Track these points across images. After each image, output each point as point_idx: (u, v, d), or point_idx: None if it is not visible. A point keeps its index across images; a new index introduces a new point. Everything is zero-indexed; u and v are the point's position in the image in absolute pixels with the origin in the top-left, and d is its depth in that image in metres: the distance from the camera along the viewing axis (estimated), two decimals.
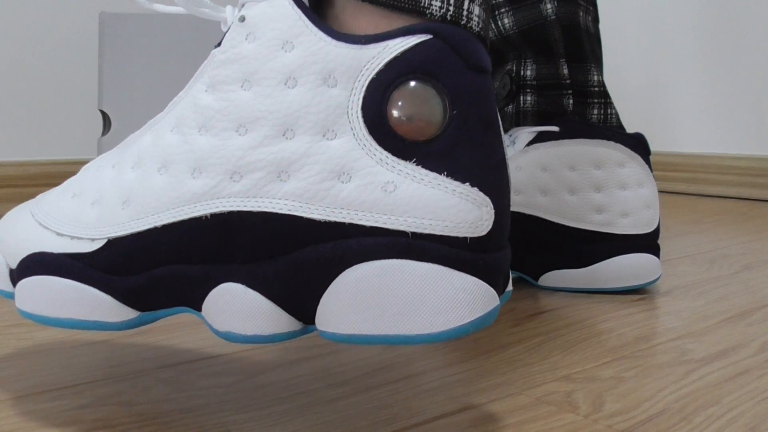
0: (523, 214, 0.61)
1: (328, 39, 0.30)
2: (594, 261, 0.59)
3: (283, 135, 0.30)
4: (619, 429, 0.34)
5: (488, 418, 0.35)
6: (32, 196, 1.06)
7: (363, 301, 0.29)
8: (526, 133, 0.62)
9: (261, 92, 0.30)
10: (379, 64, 0.30)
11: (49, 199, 0.34)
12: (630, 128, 1.57)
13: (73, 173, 1.09)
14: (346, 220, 0.29)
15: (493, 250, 0.30)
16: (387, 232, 0.29)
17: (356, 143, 0.30)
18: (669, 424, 0.35)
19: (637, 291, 0.61)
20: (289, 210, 0.30)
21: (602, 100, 0.63)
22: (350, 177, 0.30)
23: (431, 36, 0.30)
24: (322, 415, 0.35)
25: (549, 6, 0.62)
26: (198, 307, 0.32)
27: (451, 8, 0.30)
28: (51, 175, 1.08)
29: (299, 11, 0.30)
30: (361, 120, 0.30)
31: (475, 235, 0.30)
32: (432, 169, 0.29)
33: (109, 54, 0.81)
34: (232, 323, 0.31)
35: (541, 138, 0.61)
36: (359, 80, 0.30)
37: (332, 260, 0.30)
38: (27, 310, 0.32)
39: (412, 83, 0.29)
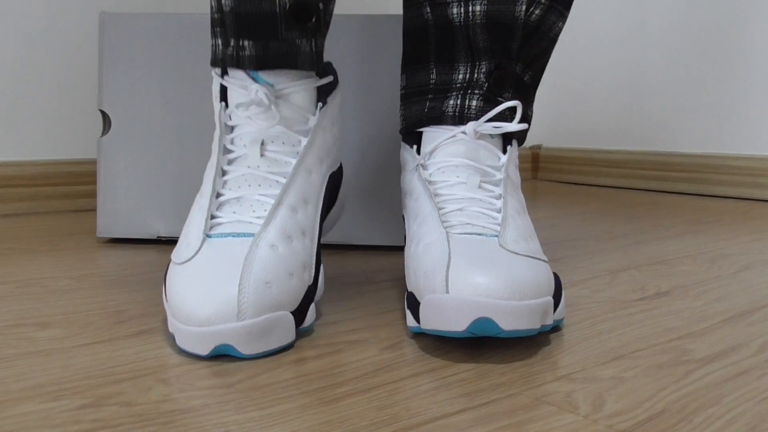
0: None
1: None
2: None
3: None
4: (619, 429, 0.34)
5: (488, 418, 0.35)
6: (32, 195, 1.06)
7: None
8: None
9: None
10: None
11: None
12: (632, 129, 1.57)
13: (73, 173, 1.09)
14: None
15: None
16: None
17: None
18: (669, 424, 0.35)
19: (637, 291, 0.61)
20: None
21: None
22: None
23: None
24: (322, 415, 0.35)
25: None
26: None
27: None
28: (51, 175, 1.08)
29: None
30: None
31: None
32: None
33: (109, 54, 0.81)
34: None
35: None
36: None
37: None
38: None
39: None
